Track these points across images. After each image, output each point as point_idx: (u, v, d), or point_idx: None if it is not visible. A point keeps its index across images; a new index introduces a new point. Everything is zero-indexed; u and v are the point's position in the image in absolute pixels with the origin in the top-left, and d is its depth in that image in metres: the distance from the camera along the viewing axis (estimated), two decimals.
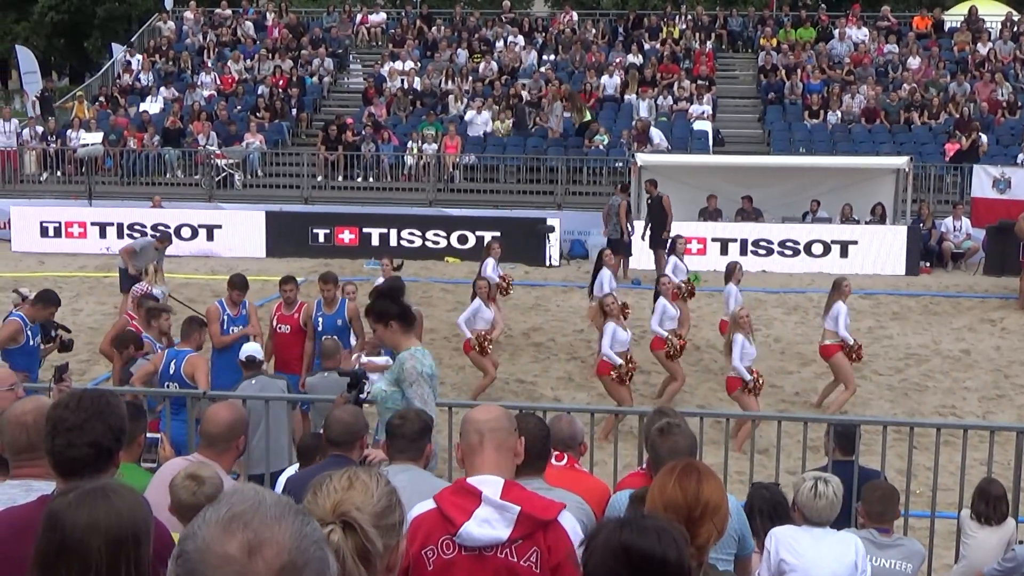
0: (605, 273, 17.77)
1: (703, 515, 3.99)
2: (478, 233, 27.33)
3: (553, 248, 27.01)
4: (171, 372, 11.05)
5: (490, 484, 4.31)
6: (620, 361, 13.99)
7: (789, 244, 26.49)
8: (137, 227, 27.63)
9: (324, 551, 2.13)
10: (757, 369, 14.15)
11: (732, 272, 16.77)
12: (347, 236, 27.73)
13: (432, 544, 4.30)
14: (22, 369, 11.42)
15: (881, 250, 26.13)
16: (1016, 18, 37.35)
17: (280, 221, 28.16)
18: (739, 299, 16.27)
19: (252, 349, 11.53)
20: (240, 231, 27.91)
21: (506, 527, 4.25)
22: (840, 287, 15.32)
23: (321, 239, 27.74)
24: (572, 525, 4.39)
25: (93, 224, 28.24)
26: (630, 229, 25.02)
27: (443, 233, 27.56)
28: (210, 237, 27.76)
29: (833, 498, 6.48)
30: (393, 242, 27.38)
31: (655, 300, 15.84)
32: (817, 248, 26.39)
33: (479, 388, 15.69)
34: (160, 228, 26.44)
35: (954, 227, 26.86)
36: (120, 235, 27.42)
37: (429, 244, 27.40)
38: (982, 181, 27.72)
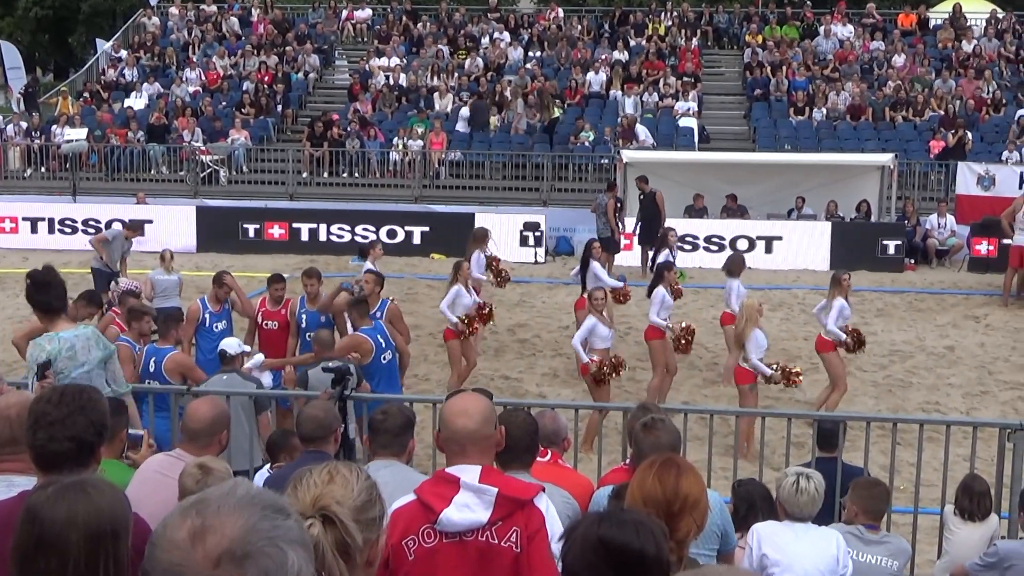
0: (595, 265, 17.66)
1: (682, 509, 4.00)
2: (407, 228, 27.46)
3: (539, 245, 27.05)
4: (151, 370, 10.98)
5: (468, 471, 4.32)
6: (587, 359, 13.82)
7: (715, 240, 26.42)
8: (68, 222, 28.00)
9: (280, 550, 2.05)
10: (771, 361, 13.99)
11: (739, 265, 16.78)
12: (277, 231, 27.72)
13: (412, 534, 4.30)
14: None
15: (804, 246, 26.21)
16: (1000, 15, 37.45)
17: (210, 216, 28.07)
18: (741, 292, 16.23)
19: (226, 344, 11.46)
20: (170, 226, 27.38)
21: (485, 509, 4.27)
22: (840, 282, 15.21)
23: (251, 234, 27.71)
24: (548, 507, 4.41)
25: (24, 219, 28.27)
26: (620, 228, 25.03)
27: (372, 228, 27.44)
28: (141, 232, 27.23)
29: (815, 493, 6.49)
30: (323, 237, 27.53)
31: (650, 291, 15.55)
32: (742, 244, 26.24)
33: (451, 384, 15.31)
34: (91, 222, 27.15)
35: (939, 224, 26.92)
36: (51, 230, 27.86)
37: (359, 239, 27.02)
38: (966, 178, 27.79)
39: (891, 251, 26.13)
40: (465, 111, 32.44)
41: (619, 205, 25.28)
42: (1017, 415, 15.11)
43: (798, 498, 6.46)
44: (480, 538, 4.29)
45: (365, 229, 27.49)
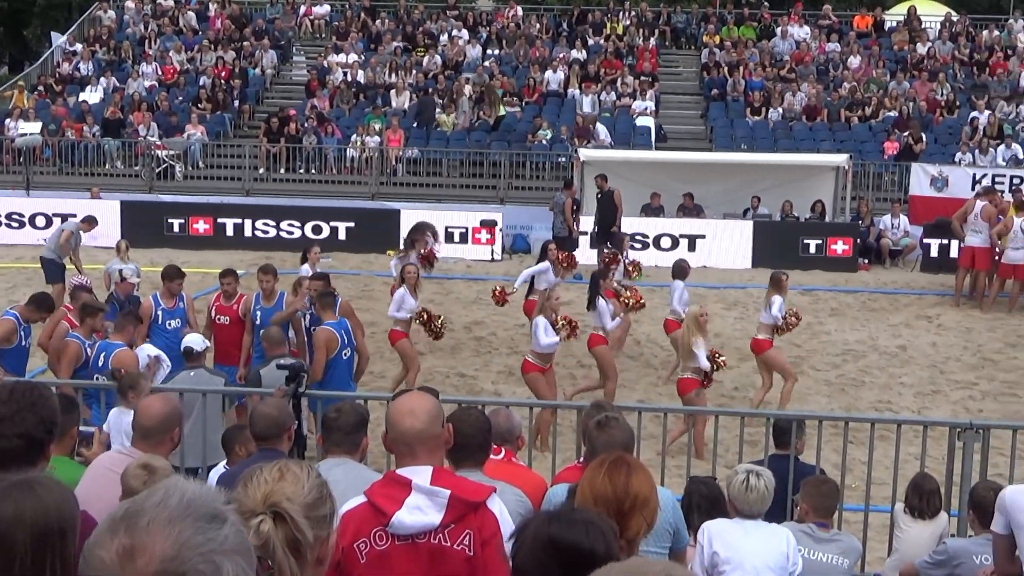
0: (537, 267, 17.73)
1: (632, 508, 4.01)
2: (332, 224, 27.40)
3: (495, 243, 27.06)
4: (100, 364, 10.90)
5: (420, 473, 4.31)
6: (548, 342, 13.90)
7: (639, 238, 26.29)
8: (19, 216, 27.74)
9: (214, 564, 2.01)
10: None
11: (682, 270, 16.77)
12: (201, 226, 27.52)
13: (364, 536, 4.28)
14: (12, 369, 11.26)
15: (727, 244, 26.43)
16: (955, 19, 37.80)
17: (134, 211, 27.71)
18: (684, 298, 16.31)
19: (190, 340, 11.41)
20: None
21: (437, 512, 4.26)
22: (779, 282, 15.34)
23: (176, 229, 27.47)
24: (500, 509, 4.40)
25: None
26: (576, 227, 25.06)
27: (297, 224, 27.40)
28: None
29: (764, 491, 6.53)
30: (248, 233, 27.43)
31: (591, 303, 15.43)
32: (665, 242, 26.45)
33: (410, 382, 15.32)
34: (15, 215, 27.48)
35: (892, 224, 27.14)
36: (3, 224, 27.67)
37: (284, 235, 27.22)
38: (920, 179, 28.03)
39: (812, 250, 26.32)
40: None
41: (576, 204, 25.32)
42: (968, 414, 15.27)
43: (748, 496, 6.50)
44: (432, 541, 4.27)
45: (290, 224, 27.44)
